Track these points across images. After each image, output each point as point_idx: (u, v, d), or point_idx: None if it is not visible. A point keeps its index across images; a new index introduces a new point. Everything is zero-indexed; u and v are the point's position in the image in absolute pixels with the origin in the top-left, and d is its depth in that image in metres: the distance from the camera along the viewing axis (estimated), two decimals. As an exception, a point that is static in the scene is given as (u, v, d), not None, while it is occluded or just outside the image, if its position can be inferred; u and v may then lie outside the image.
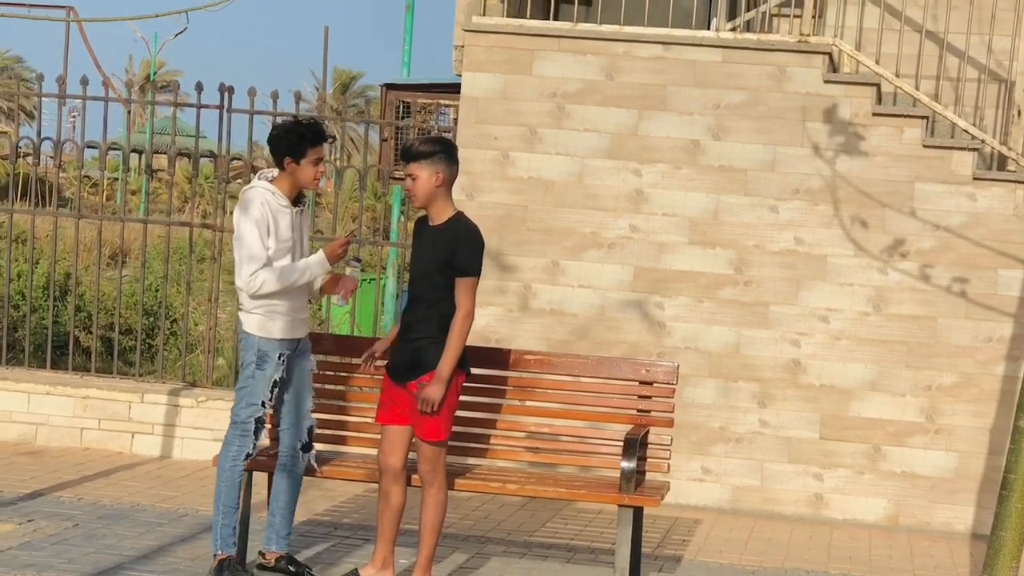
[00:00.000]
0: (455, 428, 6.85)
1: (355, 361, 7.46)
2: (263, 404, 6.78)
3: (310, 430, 7.01)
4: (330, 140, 7.23)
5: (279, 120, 10.38)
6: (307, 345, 7.00)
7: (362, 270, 7.61)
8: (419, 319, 6.65)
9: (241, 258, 6.70)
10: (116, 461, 9.88)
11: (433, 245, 6.63)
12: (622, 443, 7.01)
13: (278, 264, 6.70)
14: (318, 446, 7.28)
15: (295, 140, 6.74)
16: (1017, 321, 9.44)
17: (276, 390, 6.82)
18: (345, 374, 7.54)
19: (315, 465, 7.09)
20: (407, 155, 6.67)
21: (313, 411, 7.05)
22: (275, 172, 6.85)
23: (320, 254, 6.82)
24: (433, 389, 6.53)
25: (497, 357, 7.44)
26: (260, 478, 7.25)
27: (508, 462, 7.85)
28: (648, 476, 7.32)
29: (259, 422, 6.80)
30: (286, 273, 6.70)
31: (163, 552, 7.40)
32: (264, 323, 6.75)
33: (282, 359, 6.78)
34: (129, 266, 17.62)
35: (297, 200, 6.86)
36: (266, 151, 11.09)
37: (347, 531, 8.22)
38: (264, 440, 6.90)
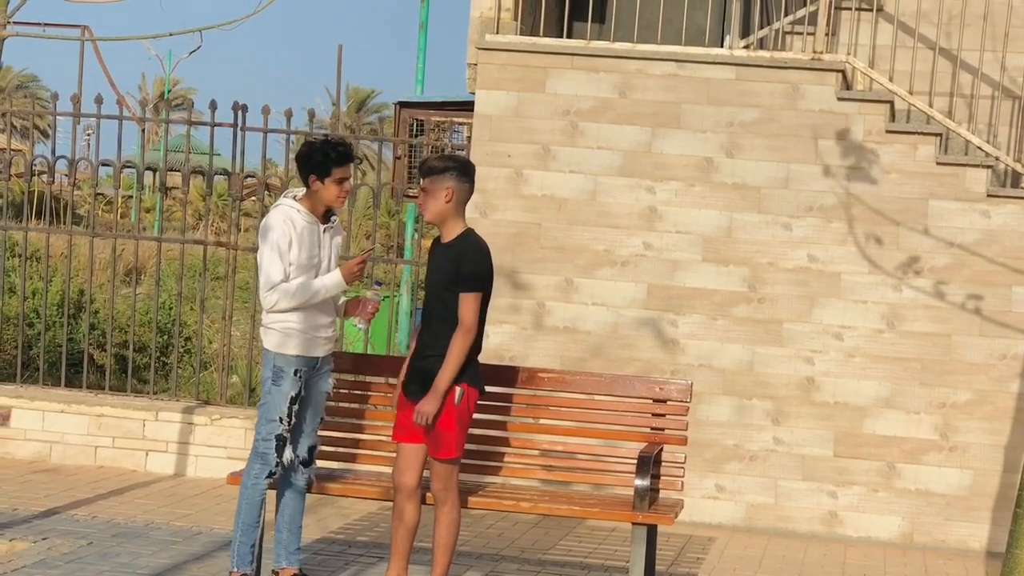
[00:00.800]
0: (469, 446, 6.85)
1: (371, 379, 7.48)
2: (281, 420, 6.78)
3: (312, 448, 7.01)
4: (357, 161, 7.27)
5: (294, 138, 10.43)
6: (329, 365, 7.01)
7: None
8: (431, 337, 6.66)
9: (260, 279, 6.80)
10: (130, 479, 9.89)
11: (441, 262, 6.65)
12: (636, 461, 7.01)
13: (295, 281, 6.72)
14: (333, 464, 7.26)
15: (321, 159, 6.79)
16: (1032, 338, 9.42)
17: (296, 407, 6.83)
18: (360, 392, 7.54)
19: (312, 479, 7.08)
20: (422, 170, 6.73)
21: (319, 431, 7.05)
22: (303, 190, 6.89)
23: (336, 273, 6.84)
24: (426, 402, 6.52)
25: (511, 375, 7.44)
26: (270, 496, 7.24)
27: (522, 480, 7.84)
28: (662, 494, 7.32)
29: (280, 439, 6.80)
30: (301, 291, 6.72)
31: (177, 570, 7.40)
32: (280, 340, 6.77)
33: (299, 376, 6.78)
34: (143, 284, 17.66)
35: (327, 217, 6.89)
36: (280, 169, 11.16)
37: (361, 549, 8.22)
38: (287, 458, 6.89)
